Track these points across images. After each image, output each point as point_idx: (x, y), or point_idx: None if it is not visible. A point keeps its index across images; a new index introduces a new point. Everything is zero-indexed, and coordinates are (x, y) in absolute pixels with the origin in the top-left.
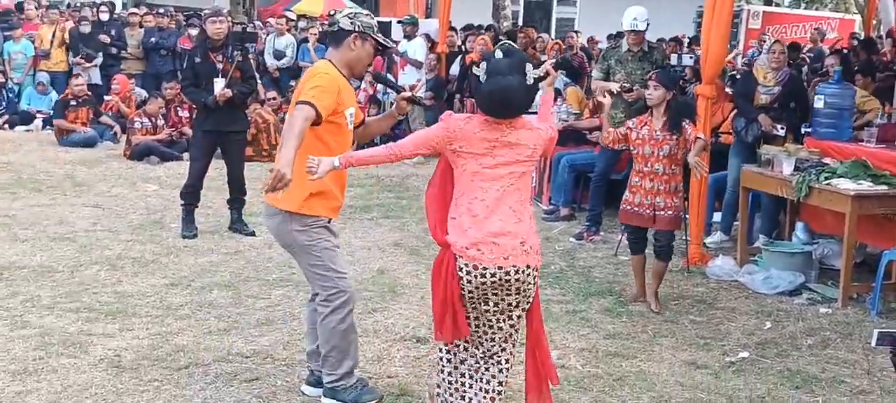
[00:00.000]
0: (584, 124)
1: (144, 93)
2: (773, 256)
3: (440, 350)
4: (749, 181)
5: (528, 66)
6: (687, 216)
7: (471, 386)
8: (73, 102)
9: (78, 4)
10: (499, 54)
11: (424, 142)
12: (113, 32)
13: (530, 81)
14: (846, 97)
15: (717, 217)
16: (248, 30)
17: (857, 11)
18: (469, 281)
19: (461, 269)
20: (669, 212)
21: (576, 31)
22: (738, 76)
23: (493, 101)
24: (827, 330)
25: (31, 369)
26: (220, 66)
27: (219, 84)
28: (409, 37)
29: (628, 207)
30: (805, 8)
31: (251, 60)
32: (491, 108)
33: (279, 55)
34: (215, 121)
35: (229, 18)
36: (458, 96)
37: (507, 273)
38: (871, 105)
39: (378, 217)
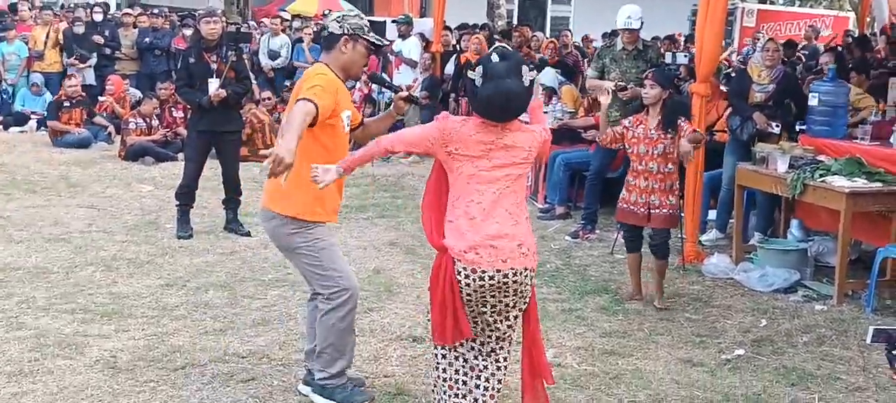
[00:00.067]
0: (579, 123)
1: (139, 94)
2: (769, 254)
3: (436, 349)
4: (744, 179)
5: (524, 68)
6: (682, 214)
7: (466, 384)
8: (66, 104)
9: (71, 5)
10: (495, 58)
11: (420, 139)
12: (107, 33)
13: (527, 83)
14: (840, 95)
15: (713, 215)
16: (242, 30)
17: (851, 9)
18: (468, 285)
19: (459, 273)
20: (664, 211)
21: (569, 30)
22: (733, 74)
23: (492, 105)
24: (822, 327)
25: (27, 370)
26: (214, 66)
27: (213, 84)
28: (403, 36)
29: (624, 205)
30: (799, 5)
31: (245, 60)
32: (489, 112)
33: (274, 55)
34: (210, 121)
35: (223, 19)
36: (452, 95)
37: (506, 276)
38: (865, 102)
39: (374, 216)
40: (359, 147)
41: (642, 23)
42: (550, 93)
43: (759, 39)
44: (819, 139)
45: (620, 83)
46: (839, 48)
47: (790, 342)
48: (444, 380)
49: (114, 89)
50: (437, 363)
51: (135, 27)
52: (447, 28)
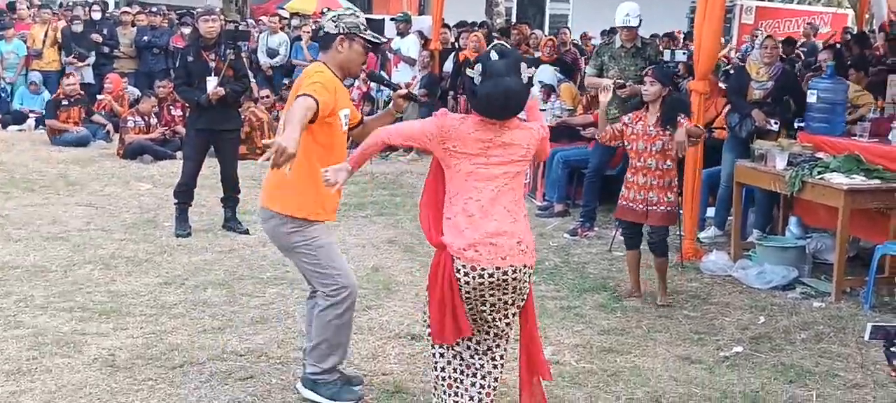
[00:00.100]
0: (578, 120)
1: (137, 92)
2: (767, 251)
3: (433, 345)
4: (742, 176)
5: (523, 66)
6: (681, 211)
7: (464, 383)
8: (64, 102)
9: (70, 4)
10: (495, 56)
11: (418, 135)
12: (105, 31)
13: (525, 81)
14: (839, 92)
15: (711, 212)
16: (240, 28)
17: (849, 6)
18: (467, 282)
19: (459, 271)
20: (661, 208)
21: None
22: (732, 71)
23: (492, 103)
24: (820, 324)
25: (25, 369)
26: (212, 64)
27: (211, 82)
28: (402, 34)
29: (623, 202)
30: (798, 3)
31: (244, 59)
32: (489, 110)
33: (272, 53)
34: (208, 119)
35: (222, 17)
36: (451, 93)
37: (505, 273)
38: (863, 99)
39: (372, 214)
40: (357, 145)
41: (640, 20)
42: (549, 90)
43: (757, 36)
44: (817, 136)
45: (619, 81)
46: (838, 45)
47: (788, 339)
48: (443, 380)
49: (112, 87)
50: (436, 362)
51: (133, 25)
52: (446, 26)
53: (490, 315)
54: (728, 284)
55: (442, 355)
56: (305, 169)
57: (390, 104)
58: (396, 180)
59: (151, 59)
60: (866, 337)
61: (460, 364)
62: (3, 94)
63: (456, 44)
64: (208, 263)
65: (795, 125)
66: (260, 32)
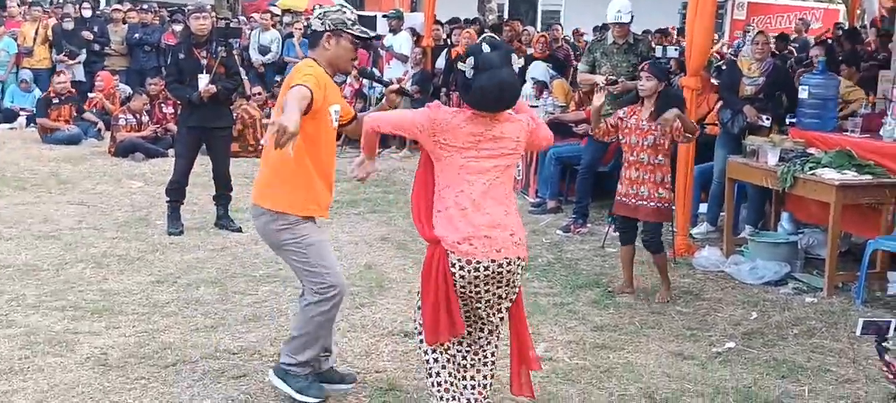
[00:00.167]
0: (570, 117)
1: (128, 90)
2: (759, 246)
3: (426, 352)
4: (735, 172)
5: (513, 57)
6: (674, 207)
7: (457, 386)
8: (55, 100)
9: (60, 1)
10: (487, 48)
11: (408, 125)
12: (96, 29)
13: (516, 71)
14: (830, 87)
15: (703, 208)
16: (231, 25)
17: (841, 1)
18: (462, 277)
19: (454, 265)
20: (652, 203)
21: (560, 24)
22: (724, 67)
23: (487, 96)
24: (812, 320)
25: (17, 368)
26: (204, 62)
27: (203, 80)
28: (394, 31)
29: (618, 197)
30: None
31: (235, 56)
32: (484, 103)
33: (264, 50)
34: (200, 117)
35: (213, 14)
36: (443, 90)
37: (500, 265)
38: (855, 95)
39: (365, 211)
40: (351, 141)
41: (632, 17)
42: (541, 87)
43: (749, 32)
44: (809, 132)
45: (611, 77)
46: (829, 41)
47: (780, 334)
48: (439, 384)
49: (103, 85)
50: (430, 367)
51: (124, 23)
52: (438, 22)
53: (484, 311)
54: (720, 280)
55: (436, 360)
56: (295, 165)
57: (383, 100)
58: (389, 177)
59: (143, 56)
60: (858, 332)
61: (455, 368)
62: None
63: (448, 40)
64: (201, 261)
65: (787, 121)
66: (252, 29)
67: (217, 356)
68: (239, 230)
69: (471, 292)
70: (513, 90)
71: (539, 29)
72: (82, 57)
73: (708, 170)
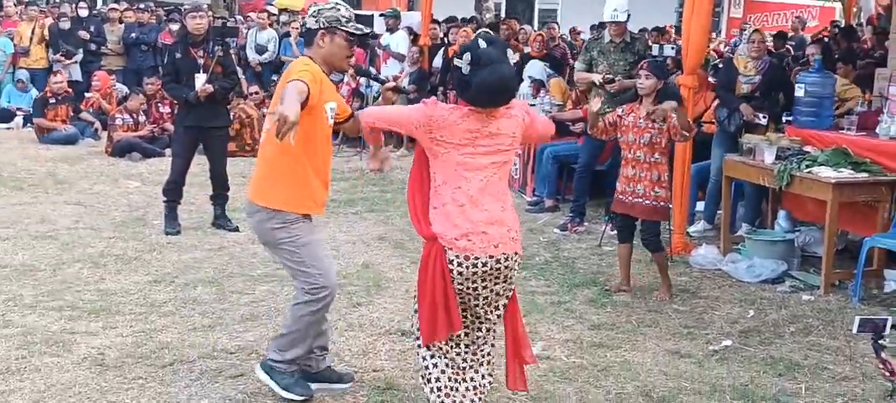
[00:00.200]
0: (567, 115)
1: (125, 90)
2: (756, 244)
3: (424, 358)
4: (731, 170)
5: (509, 51)
6: (671, 206)
7: (458, 390)
8: (52, 100)
9: (57, 1)
10: (484, 43)
11: (404, 121)
12: (92, 28)
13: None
14: (827, 85)
15: (700, 206)
16: (228, 24)
17: None
18: (460, 273)
19: (452, 262)
20: (648, 201)
21: (556, 23)
22: (721, 65)
23: (488, 91)
24: (809, 318)
25: (14, 368)
26: (200, 61)
27: (200, 79)
28: (391, 30)
29: (616, 195)
30: None
31: (232, 55)
32: (484, 99)
33: (261, 50)
34: (197, 116)
35: (210, 13)
36: (441, 89)
37: (498, 261)
38: (851, 93)
39: (362, 211)
40: (349, 140)
41: (629, 15)
42: (538, 86)
43: (745, 30)
44: (806, 130)
45: (608, 76)
46: (826, 39)
47: (777, 332)
48: (439, 390)
49: (100, 85)
50: (428, 371)
51: (121, 22)
52: (435, 21)
53: (482, 309)
54: (717, 278)
55: (436, 365)
56: (291, 162)
57: (379, 99)
58: (386, 176)
59: (139, 55)
60: (854, 330)
61: (454, 372)
62: None
63: (445, 39)
64: (198, 261)
65: (783, 119)
66: (248, 29)
67: (214, 355)
68: (236, 229)
69: (468, 289)
70: (513, 84)
71: (536, 27)
72: (79, 56)
73: (705, 169)
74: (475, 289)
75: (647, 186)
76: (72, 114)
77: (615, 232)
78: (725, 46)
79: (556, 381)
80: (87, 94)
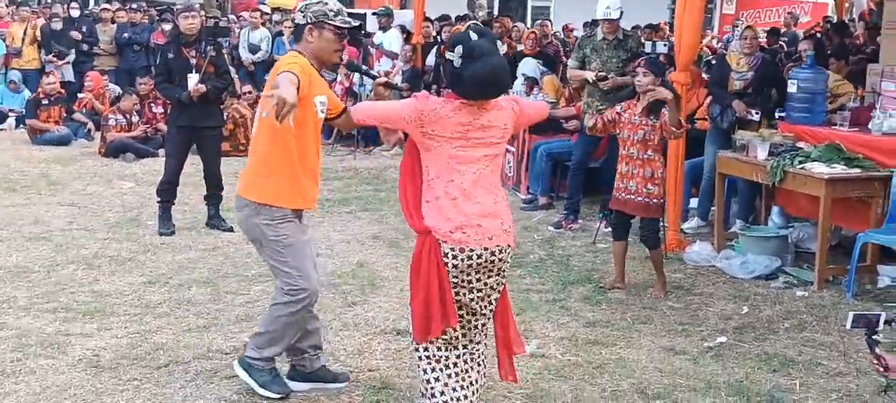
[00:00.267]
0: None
1: (118, 90)
2: (750, 241)
3: (420, 358)
4: (725, 167)
5: (498, 42)
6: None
7: (458, 390)
8: (44, 101)
9: (49, 1)
10: (475, 36)
11: (395, 116)
12: (85, 29)
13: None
14: (819, 81)
15: (694, 203)
16: (221, 24)
17: None
18: (455, 266)
19: (447, 255)
20: (640, 198)
21: (549, 20)
22: (714, 62)
23: (480, 83)
24: (803, 313)
25: (9, 371)
26: (193, 61)
27: (192, 79)
28: (384, 28)
29: (614, 192)
30: None
31: (225, 55)
32: (477, 91)
33: (254, 49)
34: (190, 116)
35: (202, 13)
36: (434, 87)
37: (493, 253)
38: (844, 89)
39: (356, 210)
40: (341, 135)
41: (621, 12)
42: (532, 83)
43: (738, 26)
44: (798, 126)
45: (601, 73)
46: (818, 35)
47: (772, 328)
48: (439, 394)
49: (93, 85)
50: (424, 372)
51: (113, 22)
52: (428, 19)
53: (477, 303)
54: (711, 274)
55: (432, 369)
56: (280, 156)
57: (371, 93)
58: (380, 175)
59: (132, 56)
60: (848, 326)
61: (447, 368)
62: None
63: (438, 37)
64: (192, 261)
65: (776, 115)
66: (241, 28)
67: (209, 356)
68: (230, 229)
69: (463, 281)
70: (505, 76)
71: (529, 25)
72: (71, 57)
73: (698, 165)
74: (469, 282)
75: (640, 183)
76: (65, 115)
77: (609, 229)
78: (718, 43)
79: (552, 379)
80: (79, 95)
